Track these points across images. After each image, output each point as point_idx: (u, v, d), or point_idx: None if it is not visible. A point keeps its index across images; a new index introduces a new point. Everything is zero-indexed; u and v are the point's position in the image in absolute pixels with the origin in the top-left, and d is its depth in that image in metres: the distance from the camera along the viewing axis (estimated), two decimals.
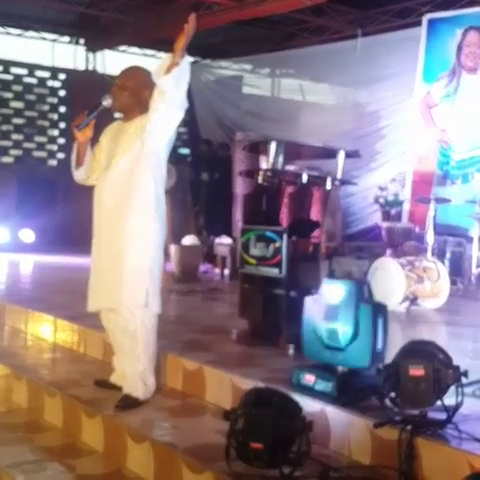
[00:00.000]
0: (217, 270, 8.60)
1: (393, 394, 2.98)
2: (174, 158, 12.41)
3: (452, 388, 2.92)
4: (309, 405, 3.13)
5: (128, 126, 3.85)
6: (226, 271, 8.35)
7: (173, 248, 8.09)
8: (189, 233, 9.28)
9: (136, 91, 3.82)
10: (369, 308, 3.22)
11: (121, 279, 3.67)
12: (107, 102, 3.81)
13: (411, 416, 2.88)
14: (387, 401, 2.98)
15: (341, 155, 4.64)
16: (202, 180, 10.92)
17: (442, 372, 2.90)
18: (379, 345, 3.26)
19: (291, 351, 4.22)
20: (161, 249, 3.81)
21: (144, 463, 3.20)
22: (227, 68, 13.33)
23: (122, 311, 3.73)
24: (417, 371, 2.88)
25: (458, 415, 2.88)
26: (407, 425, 2.79)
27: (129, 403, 3.69)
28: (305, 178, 4.55)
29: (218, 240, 8.85)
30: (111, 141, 3.91)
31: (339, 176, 4.70)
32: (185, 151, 13.33)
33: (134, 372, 3.76)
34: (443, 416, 2.86)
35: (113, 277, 3.70)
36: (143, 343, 3.76)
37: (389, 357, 3.15)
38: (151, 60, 13.50)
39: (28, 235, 11.08)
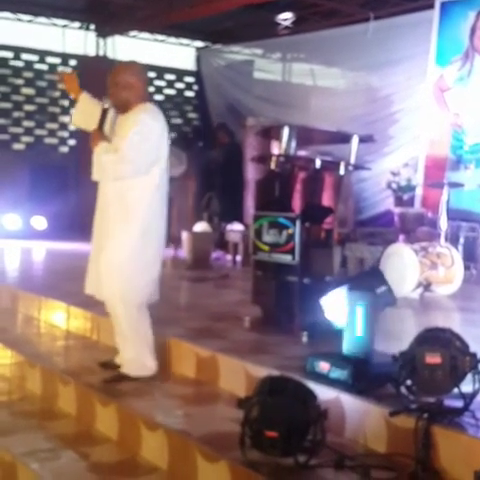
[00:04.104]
0: (229, 257, 8.58)
1: (409, 382, 2.95)
2: (185, 144, 12.41)
3: (469, 375, 2.88)
4: (324, 393, 3.11)
5: (124, 119, 3.93)
6: (238, 258, 8.33)
7: (185, 235, 8.08)
8: (200, 220, 9.26)
9: (131, 85, 3.90)
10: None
11: (99, 272, 3.91)
12: (108, 104, 3.98)
13: (427, 404, 2.86)
14: (403, 389, 2.96)
15: (355, 140, 4.58)
16: (214, 166, 10.87)
17: (459, 359, 2.86)
18: (359, 332, 3.27)
19: (304, 338, 4.20)
20: (143, 249, 3.88)
21: (158, 451, 3.19)
22: (238, 53, 13.23)
23: (104, 300, 3.98)
24: (434, 358, 2.85)
25: (475, 403, 2.85)
26: (423, 413, 2.76)
27: (116, 378, 3.90)
28: (318, 163, 4.50)
29: (230, 227, 8.82)
30: (109, 132, 4.02)
31: (352, 161, 4.64)
32: (196, 136, 13.27)
33: (124, 353, 3.98)
34: (460, 404, 2.84)
35: (96, 268, 3.96)
36: (129, 329, 3.93)
37: (403, 344, 3.13)
38: (161, 45, 13.44)
39: (40, 222, 11.09)
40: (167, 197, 4.00)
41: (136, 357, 3.94)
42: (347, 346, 3.35)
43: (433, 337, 2.99)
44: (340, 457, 2.79)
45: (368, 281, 3.43)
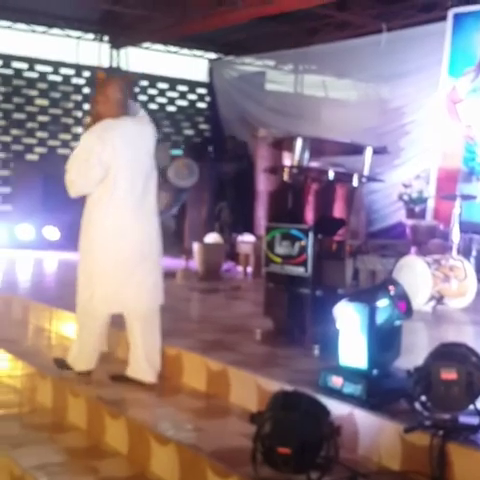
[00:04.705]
0: (240, 268, 8.55)
1: (424, 398, 2.90)
2: (196, 155, 12.43)
3: None
4: (337, 408, 3.07)
5: None
6: (249, 269, 8.29)
7: (196, 246, 8.05)
8: (211, 231, 9.24)
9: (105, 100, 4.11)
10: None
11: (140, 285, 4.15)
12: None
13: (442, 421, 2.81)
14: (417, 405, 2.91)
15: (368, 151, 4.55)
16: (225, 177, 10.87)
17: (475, 375, 2.82)
18: (355, 344, 3.29)
19: (316, 351, 4.16)
20: (105, 259, 4.06)
21: (168, 466, 3.16)
22: (250, 64, 13.25)
23: (144, 313, 4.20)
24: (449, 374, 2.80)
25: None
26: (439, 430, 2.72)
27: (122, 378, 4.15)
28: (331, 175, 4.47)
29: (241, 238, 8.79)
30: None
31: (366, 173, 4.61)
32: (208, 148, 13.28)
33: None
34: (476, 421, 2.79)
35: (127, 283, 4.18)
36: (80, 329, 4.27)
37: (415, 358, 3.09)
38: (174, 57, 13.48)
39: (53, 232, 11.09)
40: (141, 207, 4.10)
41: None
42: (342, 358, 3.32)
43: (449, 352, 2.94)
44: (353, 474, 2.75)
45: (372, 293, 3.38)
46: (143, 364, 4.08)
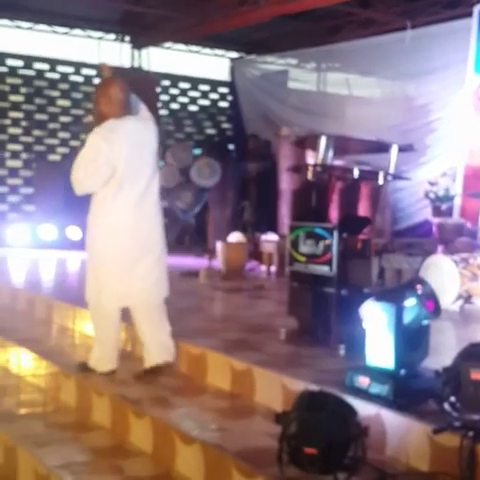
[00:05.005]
0: (263, 267, 8.51)
1: (453, 398, 2.84)
2: (219, 154, 12.41)
3: None
4: (364, 409, 3.02)
5: None
6: (272, 268, 8.25)
7: (219, 245, 8.04)
8: (235, 230, 9.22)
9: (108, 101, 4.19)
10: None
11: (146, 278, 4.27)
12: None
13: (472, 422, 2.74)
14: (446, 405, 2.85)
15: (394, 149, 4.49)
16: (248, 176, 10.84)
17: None
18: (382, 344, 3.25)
19: (342, 351, 4.12)
20: (107, 256, 4.16)
21: (193, 466, 3.13)
22: (272, 63, 13.18)
23: (153, 305, 4.33)
24: (479, 375, 2.74)
25: None
26: (468, 431, 2.66)
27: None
28: (356, 173, 4.42)
29: (264, 237, 8.75)
30: None
31: (392, 171, 4.55)
32: (230, 147, 13.25)
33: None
34: None
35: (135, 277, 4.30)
36: (95, 329, 4.34)
37: (443, 358, 3.04)
38: (196, 56, 13.48)
39: (75, 232, 11.14)
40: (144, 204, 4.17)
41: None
42: (369, 358, 3.27)
43: (478, 352, 2.88)
44: (381, 475, 2.71)
45: (399, 292, 3.33)
46: (155, 349, 4.21)
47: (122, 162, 4.05)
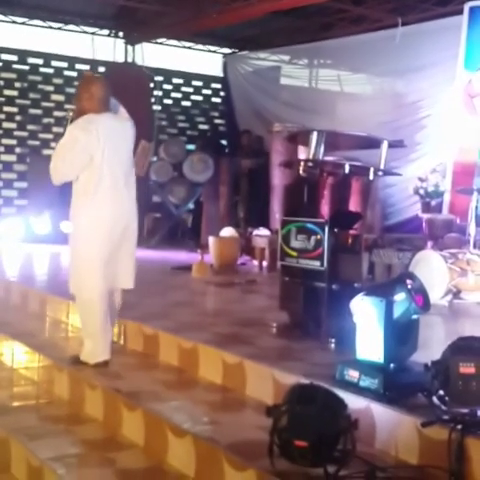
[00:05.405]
0: (255, 262, 8.55)
1: (442, 392, 2.88)
2: (213, 150, 12.41)
3: None
4: (354, 402, 3.05)
5: None
6: (264, 263, 8.29)
7: (211, 240, 8.06)
8: (227, 225, 9.25)
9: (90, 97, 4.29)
10: None
11: (128, 264, 4.45)
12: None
13: (461, 415, 2.78)
14: (435, 399, 2.89)
15: (385, 145, 4.53)
16: (241, 171, 10.86)
17: None
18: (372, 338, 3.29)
19: (332, 345, 4.17)
20: (88, 247, 4.27)
21: (185, 459, 3.16)
22: (265, 59, 13.21)
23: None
24: (468, 369, 2.78)
25: None
26: (457, 424, 2.70)
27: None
28: (347, 169, 4.45)
29: (256, 232, 8.79)
30: None
31: (382, 167, 4.59)
32: (223, 142, 13.27)
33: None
34: None
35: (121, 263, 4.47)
36: (82, 322, 4.40)
37: (432, 352, 3.07)
38: (188, 52, 13.48)
39: (69, 226, 11.15)
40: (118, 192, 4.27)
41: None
42: (359, 352, 3.31)
43: (467, 346, 2.92)
44: (371, 468, 2.73)
45: (388, 287, 3.37)
46: (108, 344, 4.35)
47: (100, 152, 4.17)
